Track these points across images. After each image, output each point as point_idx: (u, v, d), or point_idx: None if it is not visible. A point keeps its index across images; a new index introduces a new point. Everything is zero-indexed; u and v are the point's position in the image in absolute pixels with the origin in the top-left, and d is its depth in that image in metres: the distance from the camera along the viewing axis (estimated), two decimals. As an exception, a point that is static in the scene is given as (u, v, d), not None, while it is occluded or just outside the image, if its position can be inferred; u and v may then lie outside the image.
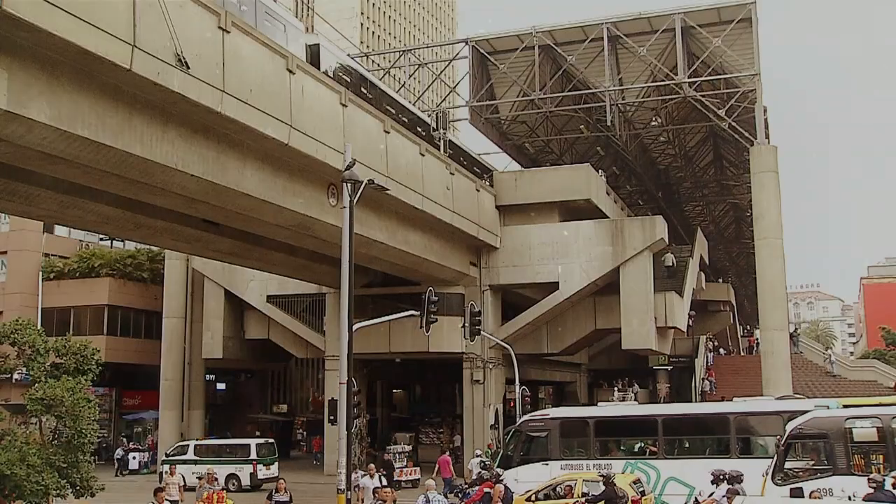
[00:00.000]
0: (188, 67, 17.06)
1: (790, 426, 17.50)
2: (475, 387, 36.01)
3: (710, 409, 26.23)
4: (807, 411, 19.78)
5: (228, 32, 18.66)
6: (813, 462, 17.68)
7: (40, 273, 44.95)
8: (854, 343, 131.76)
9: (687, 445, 23.31)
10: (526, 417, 25.50)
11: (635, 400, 38.03)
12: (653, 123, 47.26)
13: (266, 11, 23.08)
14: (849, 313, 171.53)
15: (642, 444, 23.80)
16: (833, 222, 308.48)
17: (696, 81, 39.50)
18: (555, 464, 22.95)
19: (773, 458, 19.60)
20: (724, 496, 15.41)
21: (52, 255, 45.94)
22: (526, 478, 21.63)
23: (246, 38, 19.48)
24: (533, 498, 20.14)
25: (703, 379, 45.51)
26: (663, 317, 35.56)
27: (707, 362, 49.29)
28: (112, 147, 17.08)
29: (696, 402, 39.65)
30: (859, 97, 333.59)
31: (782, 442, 17.40)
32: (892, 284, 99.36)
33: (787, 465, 17.30)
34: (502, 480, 19.49)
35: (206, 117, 18.85)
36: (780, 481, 16.55)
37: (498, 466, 23.11)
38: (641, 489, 19.43)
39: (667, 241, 36.60)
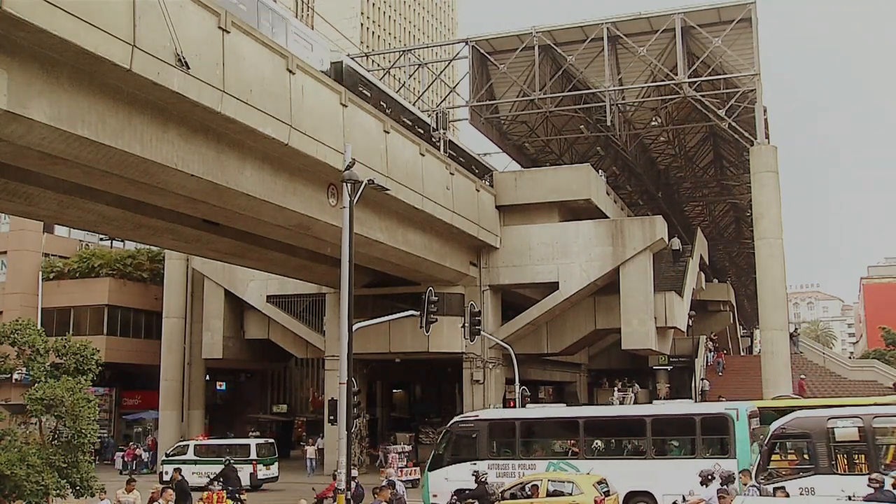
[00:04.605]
0: (188, 67, 17.06)
1: (774, 426, 17.93)
2: (475, 387, 36.00)
3: (628, 412, 27.03)
4: (718, 414, 21.54)
5: (228, 32, 18.67)
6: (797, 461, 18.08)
7: (40, 273, 44.98)
8: (854, 343, 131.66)
9: (606, 446, 24.01)
10: (457, 419, 25.92)
11: (635, 400, 38.13)
12: (653, 123, 47.27)
13: (295, 32, 24.43)
14: (849, 313, 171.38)
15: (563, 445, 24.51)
16: (833, 222, 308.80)
17: (695, 81, 39.51)
18: (482, 463, 23.49)
19: (689, 457, 21.02)
20: (714, 496, 15.52)
21: (52, 255, 45.97)
22: (455, 477, 22.30)
23: (246, 38, 19.48)
24: (499, 497, 20.40)
25: (702, 379, 45.50)
26: (663, 317, 35.55)
27: (707, 361, 49.33)
28: (112, 147, 17.08)
29: (696, 401, 39.60)
30: (860, 96, 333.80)
31: (766, 442, 17.76)
32: (892, 284, 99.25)
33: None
34: (355, 479, 20.05)
35: (206, 117, 18.85)
36: (763, 480, 16.85)
37: (429, 467, 24.10)
38: (606, 489, 19.79)
39: (667, 240, 36.60)
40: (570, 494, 19.38)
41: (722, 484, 16.32)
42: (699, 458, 20.93)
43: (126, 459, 39.88)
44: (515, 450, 24.09)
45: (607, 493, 19.68)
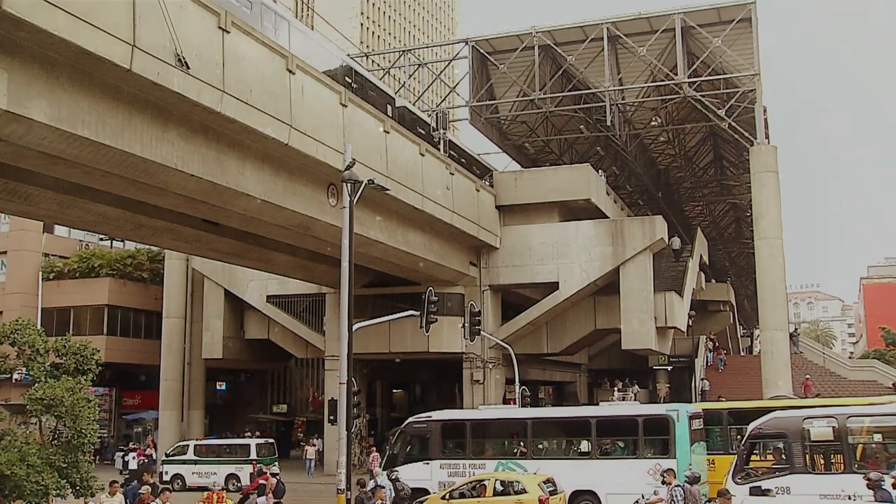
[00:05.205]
0: (188, 67, 17.06)
1: (751, 426, 18.21)
2: (475, 387, 36.01)
3: (574, 414, 27.69)
4: (659, 415, 22.41)
5: (228, 32, 18.67)
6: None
7: (40, 273, 44.95)
8: (854, 343, 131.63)
9: (553, 446, 24.63)
10: (410, 419, 26.30)
11: (635, 400, 38.12)
12: (653, 123, 47.24)
13: (370, 88, 28.62)
14: (849, 313, 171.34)
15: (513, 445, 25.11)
16: (833, 222, 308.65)
17: (695, 81, 39.50)
18: (435, 463, 24.13)
19: (635, 457, 22.04)
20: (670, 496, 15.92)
21: (52, 255, 45.95)
22: (408, 476, 22.62)
23: (246, 37, 19.48)
24: (448, 496, 20.91)
25: (702, 379, 45.48)
26: (663, 317, 35.57)
27: (707, 361, 49.31)
28: (112, 147, 17.09)
29: (695, 401, 39.60)
30: (860, 96, 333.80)
31: (743, 442, 18.17)
32: (892, 284, 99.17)
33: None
34: (276, 474, 21.25)
35: (206, 117, 18.85)
36: (740, 480, 17.18)
37: (384, 466, 24.55)
38: (552, 488, 20.35)
39: (667, 240, 36.60)
40: (516, 493, 20.05)
41: (663, 483, 16.68)
42: (641, 459, 21.80)
43: (138, 459, 39.74)
44: (466, 450, 24.69)
45: (553, 493, 20.26)
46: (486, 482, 20.66)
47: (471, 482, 21.22)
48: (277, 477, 21.12)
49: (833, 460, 17.30)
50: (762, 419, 18.20)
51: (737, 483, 17.10)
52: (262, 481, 21.22)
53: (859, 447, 17.22)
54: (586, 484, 22.22)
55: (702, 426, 23.33)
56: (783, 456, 17.62)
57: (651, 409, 24.88)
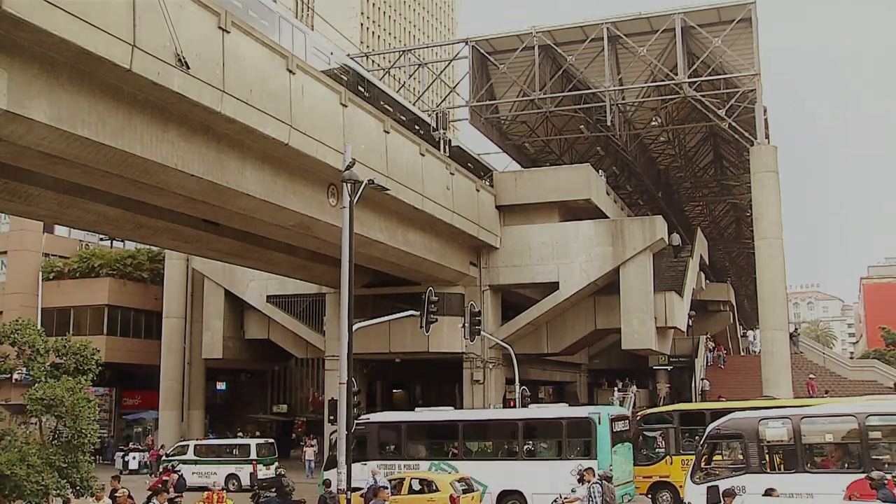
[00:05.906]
0: (188, 67, 17.05)
1: (710, 427, 18.59)
2: (475, 387, 36.01)
3: (502, 416, 28.20)
4: (582, 418, 23.05)
5: (228, 32, 18.66)
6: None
7: (40, 273, 44.96)
8: (854, 343, 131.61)
9: (482, 448, 25.47)
10: None
11: (635, 400, 38.16)
12: (653, 123, 47.26)
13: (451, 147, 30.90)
14: (849, 313, 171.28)
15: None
16: (833, 222, 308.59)
17: (695, 81, 39.51)
18: (372, 464, 24.60)
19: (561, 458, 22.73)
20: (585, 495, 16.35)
21: (52, 255, 45.96)
22: None
23: (246, 37, 19.47)
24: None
25: (702, 379, 45.50)
26: (663, 317, 35.57)
27: (707, 361, 49.33)
28: (112, 147, 17.08)
29: (695, 402, 39.63)
30: (860, 96, 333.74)
31: (702, 442, 18.52)
32: (892, 284, 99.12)
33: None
34: (178, 471, 23.53)
35: (206, 117, 18.84)
36: (698, 479, 17.49)
37: (325, 466, 25.41)
38: (465, 487, 21.20)
39: (667, 240, 36.59)
40: (431, 492, 20.98)
41: (580, 482, 17.22)
42: (565, 460, 22.45)
43: (149, 461, 39.67)
44: (402, 451, 25.28)
45: (467, 491, 21.03)
46: (402, 480, 21.71)
47: (391, 480, 22.02)
48: (179, 473, 23.22)
49: (788, 460, 17.50)
50: (720, 420, 18.58)
51: (695, 483, 17.47)
52: (165, 478, 23.21)
53: (813, 447, 17.56)
54: (513, 484, 22.97)
55: (627, 427, 24.06)
56: (740, 455, 17.94)
57: (574, 411, 25.67)
